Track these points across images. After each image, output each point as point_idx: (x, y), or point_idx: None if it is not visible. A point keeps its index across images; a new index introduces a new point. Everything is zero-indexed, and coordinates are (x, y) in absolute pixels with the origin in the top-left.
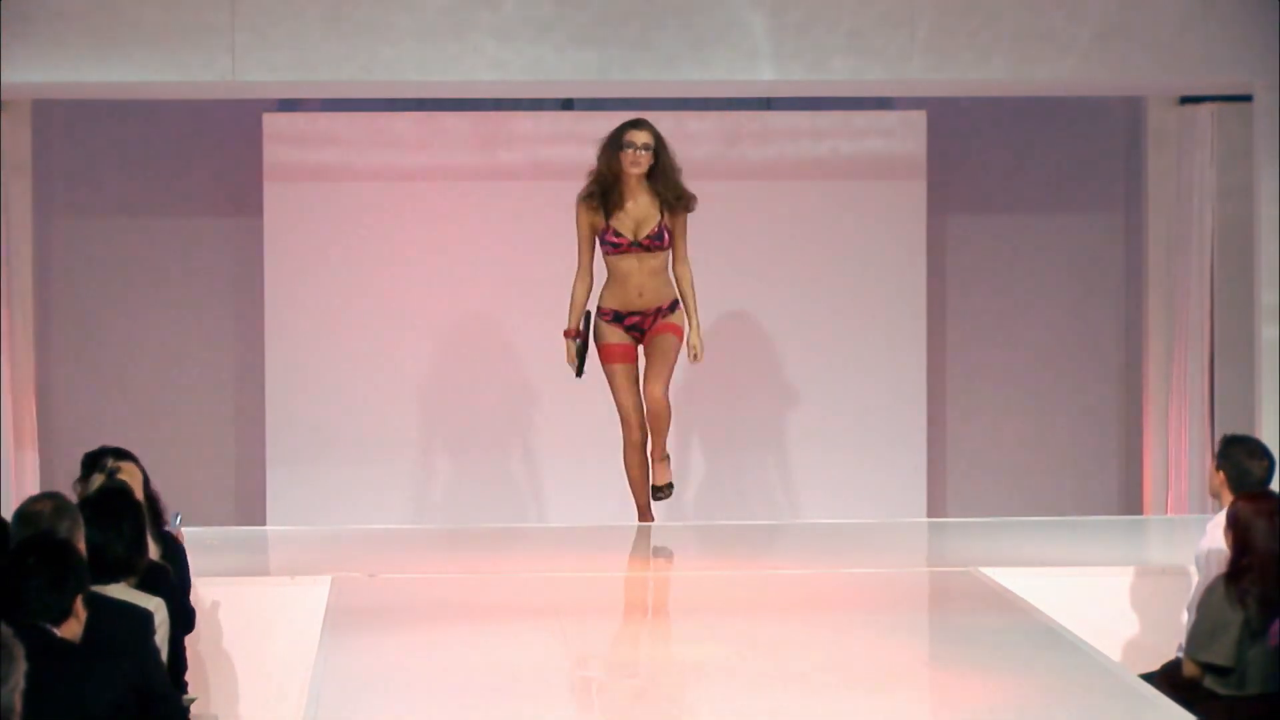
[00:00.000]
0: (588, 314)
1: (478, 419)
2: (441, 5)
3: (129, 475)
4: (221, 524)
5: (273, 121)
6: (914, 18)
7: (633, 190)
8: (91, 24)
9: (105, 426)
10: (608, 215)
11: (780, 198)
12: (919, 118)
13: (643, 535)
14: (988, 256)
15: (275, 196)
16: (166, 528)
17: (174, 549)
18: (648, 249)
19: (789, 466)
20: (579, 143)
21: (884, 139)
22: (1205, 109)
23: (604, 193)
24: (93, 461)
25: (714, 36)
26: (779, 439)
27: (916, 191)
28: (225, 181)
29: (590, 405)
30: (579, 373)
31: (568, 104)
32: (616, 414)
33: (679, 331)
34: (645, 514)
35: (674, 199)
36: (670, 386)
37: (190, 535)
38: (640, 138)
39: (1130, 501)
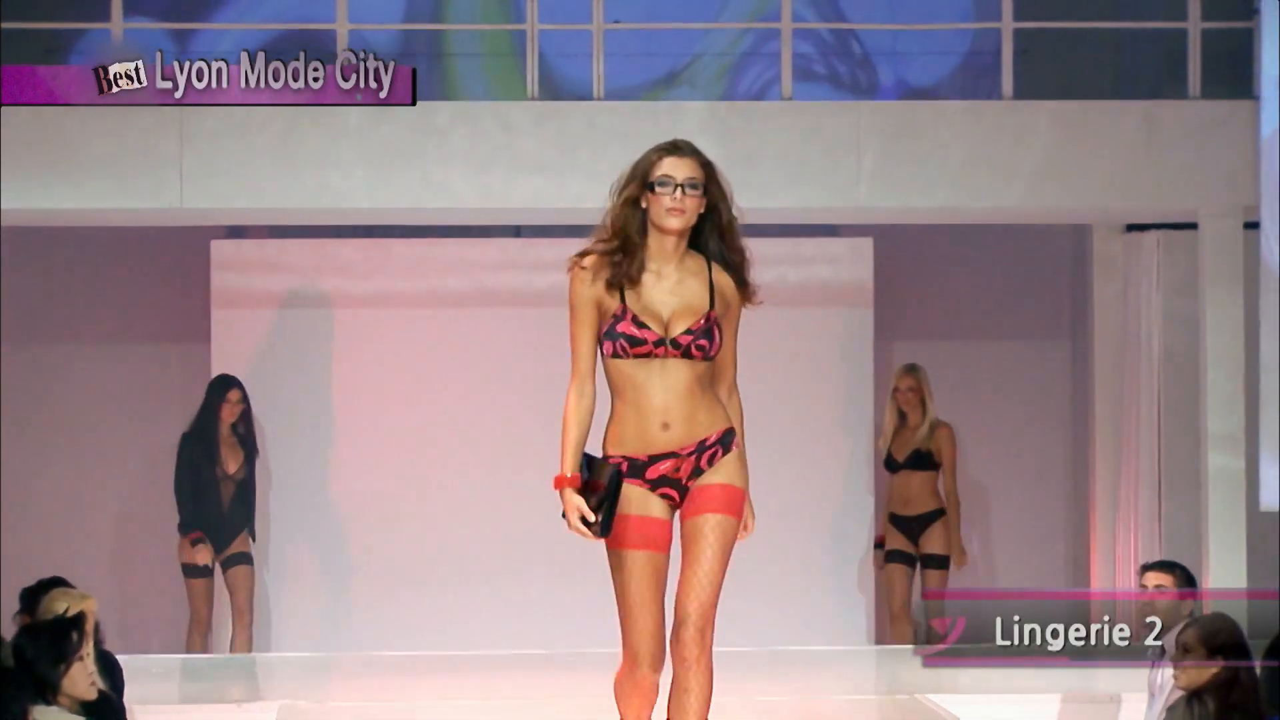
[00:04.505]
0: (602, 461)
1: (429, 544)
2: (389, 134)
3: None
4: (169, 651)
5: (220, 248)
6: (860, 146)
7: (667, 256)
8: (39, 151)
9: (57, 556)
10: (623, 292)
11: None
12: (865, 244)
13: (599, 664)
14: (935, 383)
15: (223, 323)
16: None
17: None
18: (686, 354)
19: (733, 592)
20: (528, 269)
21: (831, 266)
22: (1151, 236)
23: (615, 258)
24: (32, 595)
25: None
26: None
27: (864, 318)
28: (173, 308)
29: (548, 532)
30: (604, 531)
31: (516, 231)
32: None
33: (739, 505)
34: None
35: (737, 273)
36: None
37: (136, 663)
38: (684, 169)
39: None
